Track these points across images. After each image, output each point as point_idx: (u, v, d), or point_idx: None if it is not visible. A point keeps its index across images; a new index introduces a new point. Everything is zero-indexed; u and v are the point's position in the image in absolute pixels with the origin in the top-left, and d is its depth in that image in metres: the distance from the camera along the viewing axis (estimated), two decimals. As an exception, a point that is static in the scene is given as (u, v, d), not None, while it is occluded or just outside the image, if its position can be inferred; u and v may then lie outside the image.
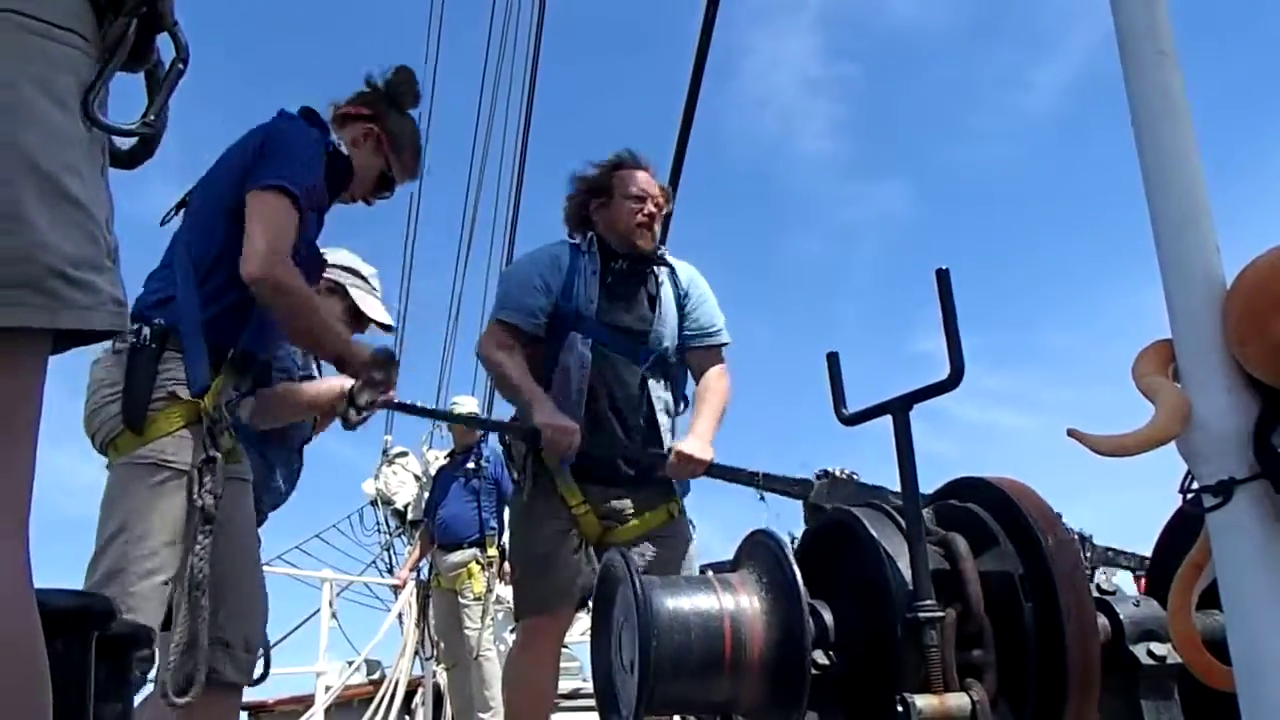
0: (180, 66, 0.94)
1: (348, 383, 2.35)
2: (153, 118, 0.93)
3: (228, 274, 2.03)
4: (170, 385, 1.97)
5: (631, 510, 2.77)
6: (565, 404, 2.67)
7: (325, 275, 2.60)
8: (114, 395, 1.96)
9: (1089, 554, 3.28)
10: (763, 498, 2.68)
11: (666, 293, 2.81)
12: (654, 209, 2.73)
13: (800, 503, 2.58)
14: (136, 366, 1.95)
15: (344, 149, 2.28)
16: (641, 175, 2.76)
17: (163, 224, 2.20)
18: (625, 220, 2.70)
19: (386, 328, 2.99)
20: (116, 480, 1.95)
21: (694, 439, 2.71)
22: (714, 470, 2.71)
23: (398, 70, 2.43)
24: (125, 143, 0.99)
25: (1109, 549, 3.36)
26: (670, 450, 2.71)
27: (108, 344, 1.98)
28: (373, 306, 2.92)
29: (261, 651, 2.20)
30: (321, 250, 2.36)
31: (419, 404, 3.29)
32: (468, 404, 5.78)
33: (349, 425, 2.51)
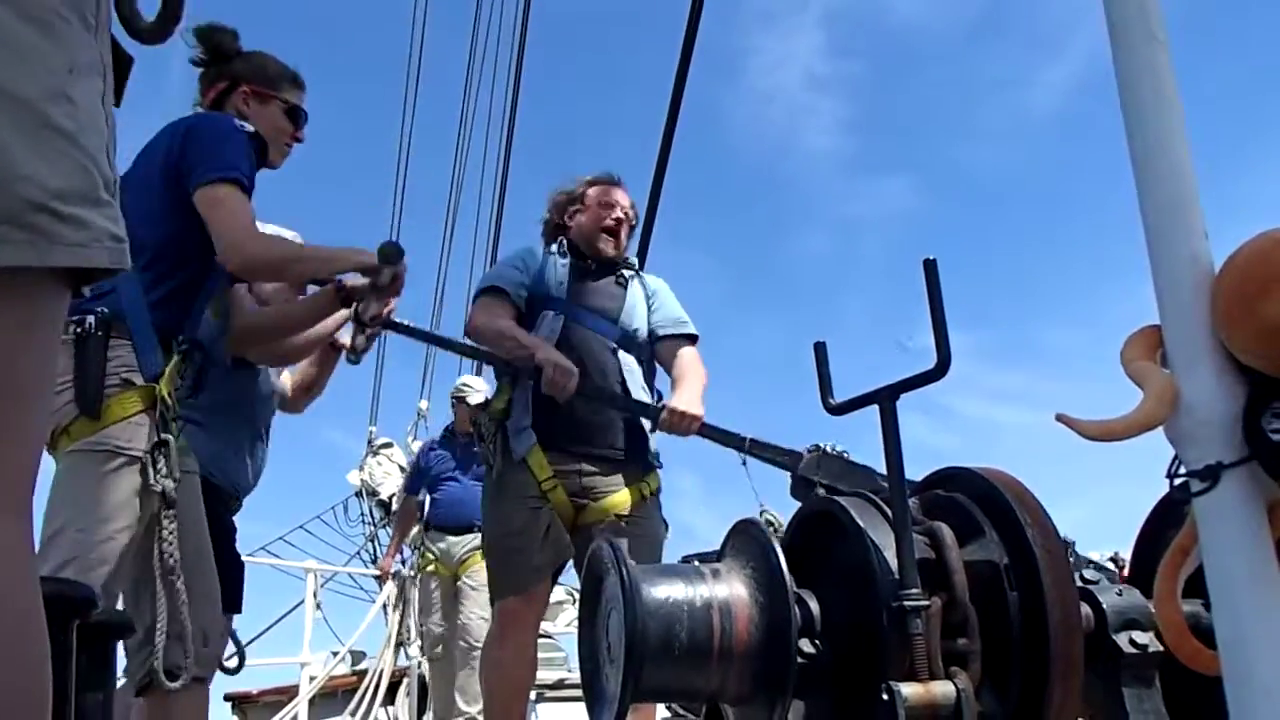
0: None
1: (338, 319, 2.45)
2: None
3: (168, 263, 2.08)
4: (123, 372, 1.97)
5: (602, 489, 2.83)
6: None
7: None
8: (63, 384, 1.92)
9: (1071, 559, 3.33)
10: (744, 463, 2.69)
11: (634, 288, 3.01)
12: (621, 216, 2.96)
13: (786, 480, 2.57)
14: (87, 354, 1.94)
15: (248, 126, 2.31)
16: (613, 189, 3.00)
17: None
18: (592, 224, 2.94)
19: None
20: (68, 468, 1.92)
21: (685, 395, 2.79)
22: (704, 430, 2.74)
23: (196, 32, 2.41)
24: (150, 16, 0.92)
25: (1090, 560, 3.42)
26: (662, 406, 2.76)
27: None
28: None
29: (232, 644, 2.21)
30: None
31: (416, 324, 3.17)
32: (477, 385, 5.66)
33: (356, 353, 2.54)
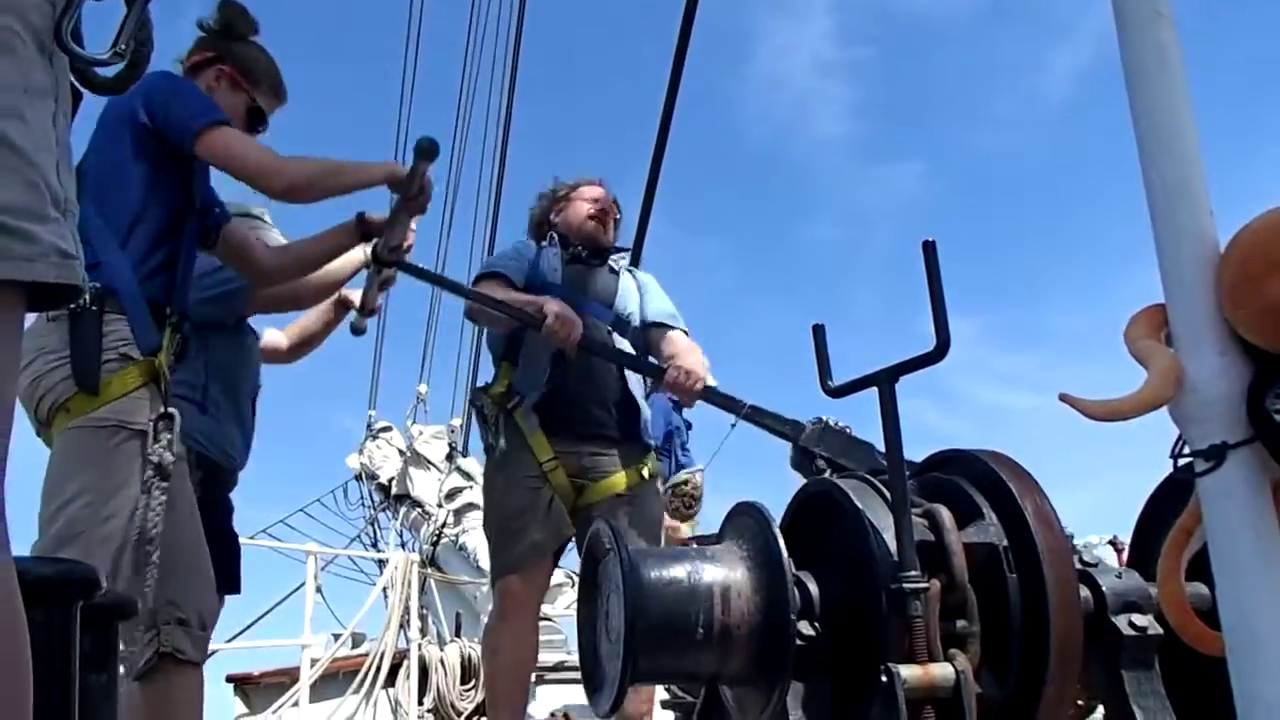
0: None
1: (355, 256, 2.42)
2: (122, 46, 0.91)
3: (148, 233, 2.06)
4: (120, 346, 1.95)
5: (601, 470, 2.84)
6: (539, 361, 2.80)
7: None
8: (59, 361, 1.92)
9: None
10: (734, 425, 2.66)
11: (625, 277, 3.08)
12: (606, 207, 3.07)
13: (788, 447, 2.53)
14: (82, 330, 1.93)
15: None
16: (595, 185, 3.11)
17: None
18: (581, 216, 3.02)
19: None
20: (71, 444, 1.91)
21: (690, 358, 2.80)
22: (706, 392, 2.72)
23: (223, 5, 2.40)
24: (109, 69, 0.95)
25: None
26: (667, 366, 2.76)
27: (43, 314, 1.93)
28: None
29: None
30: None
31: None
32: None
33: (365, 311, 2.53)
